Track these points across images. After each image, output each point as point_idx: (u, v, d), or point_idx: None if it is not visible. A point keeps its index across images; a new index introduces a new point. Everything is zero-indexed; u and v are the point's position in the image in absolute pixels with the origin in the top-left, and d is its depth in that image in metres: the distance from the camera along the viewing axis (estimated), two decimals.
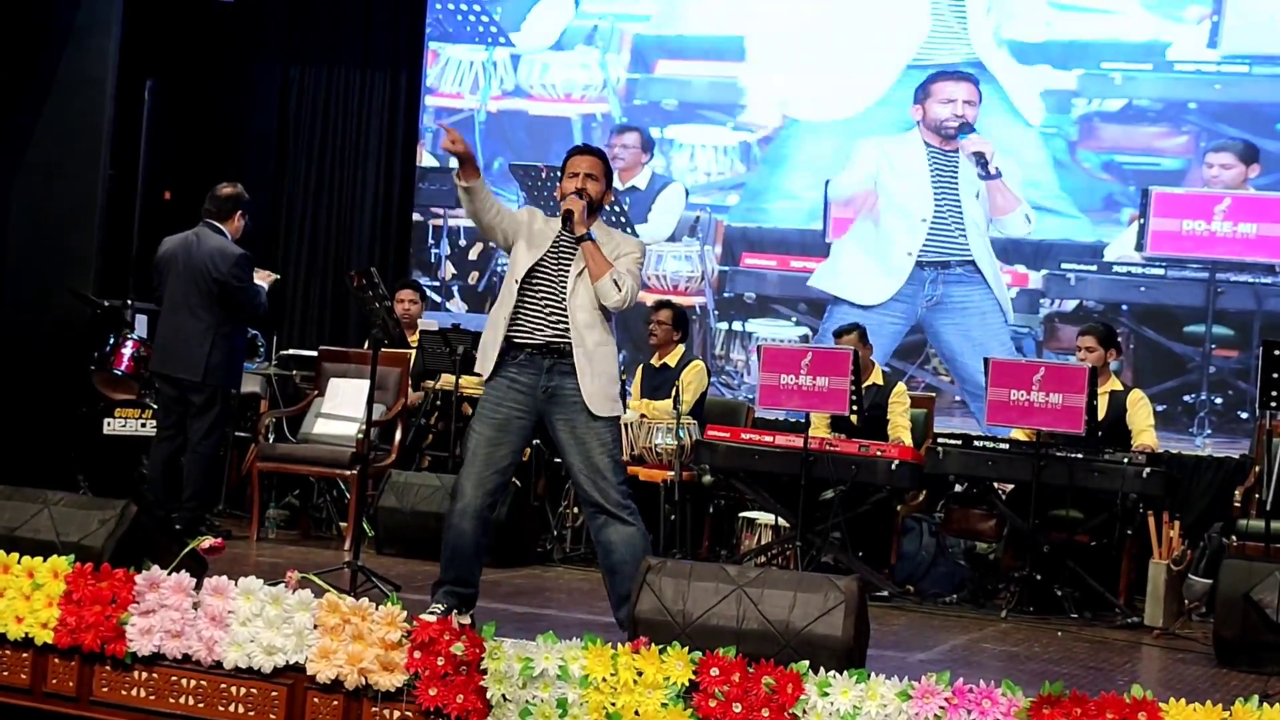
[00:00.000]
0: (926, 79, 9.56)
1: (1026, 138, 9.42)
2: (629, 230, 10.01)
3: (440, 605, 5.19)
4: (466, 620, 5.16)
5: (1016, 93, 9.46)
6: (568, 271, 5.23)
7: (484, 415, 5.28)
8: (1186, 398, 9.00)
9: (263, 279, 7.52)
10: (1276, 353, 6.02)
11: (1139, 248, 9.13)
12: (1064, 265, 9.29)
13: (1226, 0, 9.11)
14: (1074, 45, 9.38)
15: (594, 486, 5.19)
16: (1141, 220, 9.11)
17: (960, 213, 9.46)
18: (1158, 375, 8.92)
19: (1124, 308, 9.17)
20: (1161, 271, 9.11)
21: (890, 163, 9.66)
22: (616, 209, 10.12)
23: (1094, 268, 9.23)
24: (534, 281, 5.26)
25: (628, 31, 10.28)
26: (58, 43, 9.48)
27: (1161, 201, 9.09)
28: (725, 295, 9.97)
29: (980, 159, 9.44)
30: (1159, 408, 7.68)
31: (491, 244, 10.38)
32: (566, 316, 5.20)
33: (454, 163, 5.30)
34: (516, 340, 5.25)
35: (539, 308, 5.25)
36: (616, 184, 10.12)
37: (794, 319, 9.83)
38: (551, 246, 5.28)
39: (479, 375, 8.15)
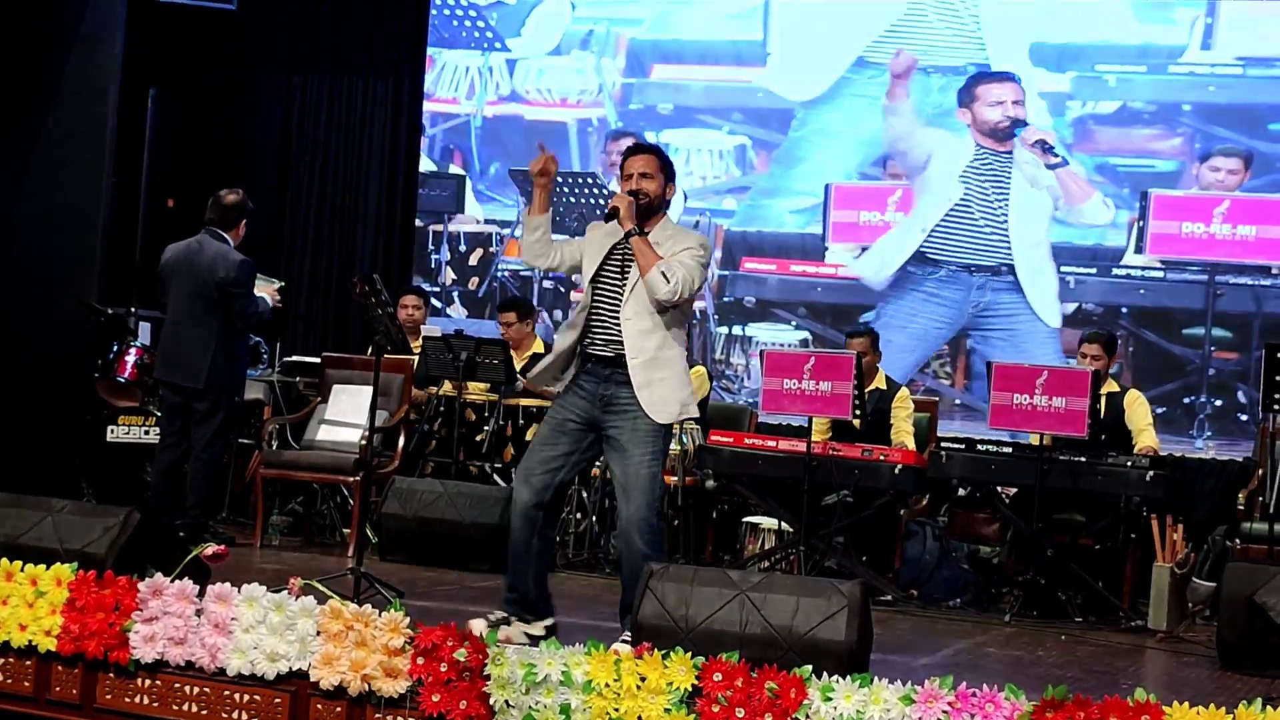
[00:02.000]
0: (968, 82, 9.54)
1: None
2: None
3: (499, 613, 5.14)
4: (538, 630, 5.11)
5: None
6: (626, 279, 5.15)
7: (546, 417, 5.33)
8: (1186, 400, 9.00)
9: (266, 292, 7.51)
10: (1279, 355, 6.01)
11: (1138, 250, 9.13)
12: (1063, 268, 9.29)
13: (1220, 3, 9.12)
14: (1068, 48, 9.39)
15: (623, 497, 5.14)
16: (1141, 223, 9.12)
17: (1006, 217, 9.42)
18: (1157, 377, 8.92)
19: (1123, 310, 9.17)
20: (1161, 274, 9.11)
21: (938, 158, 9.62)
22: None
23: (1093, 270, 9.23)
24: (597, 291, 5.21)
25: (623, 36, 10.29)
26: (62, 51, 9.49)
27: (1160, 204, 9.09)
28: (725, 299, 9.97)
29: (1044, 146, 9.36)
30: (1159, 410, 7.69)
31: (491, 250, 10.45)
32: (620, 326, 5.14)
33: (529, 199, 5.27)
34: (584, 349, 5.23)
35: (602, 316, 5.20)
36: (614, 188, 10.13)
37: (794, 323, 9.84)
38: (611, 253, 5.20)
39: (484, 382, 8.21)
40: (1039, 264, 9.34)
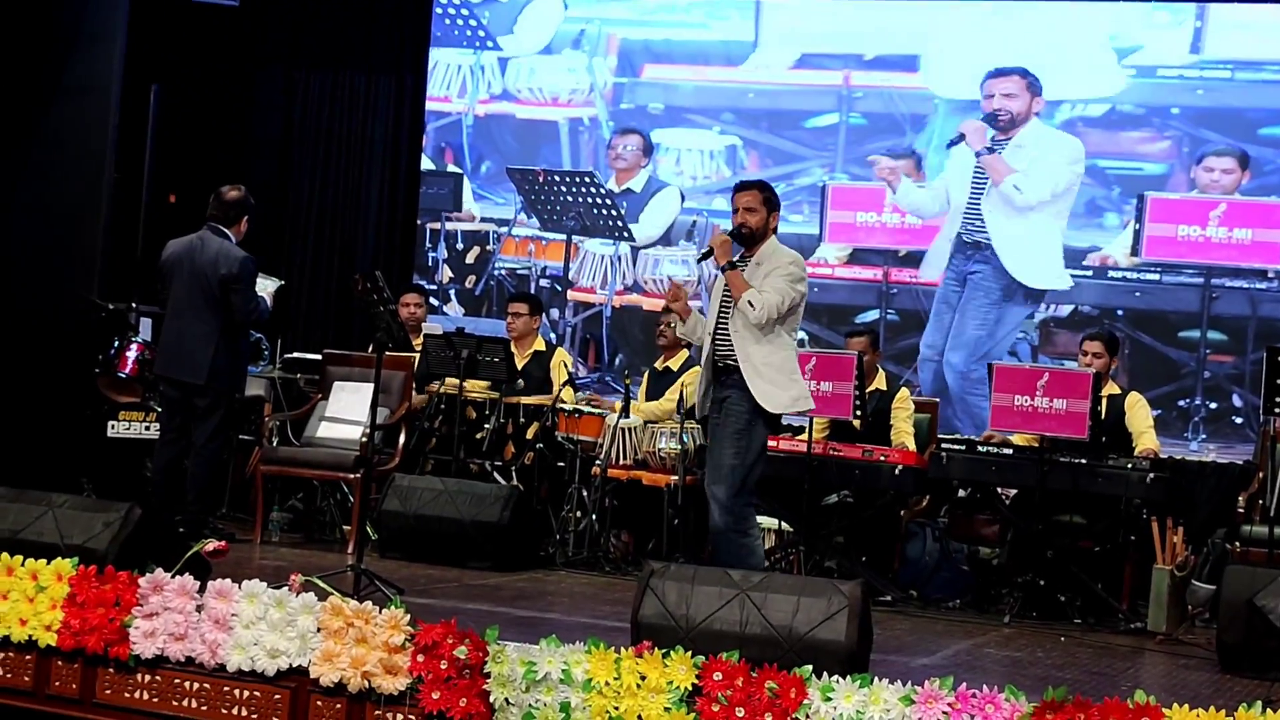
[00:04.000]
0: (986, 76, 9.55)
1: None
2: (624, 231, 10.05)
3: None
4: None
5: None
6: (734, 303, 5.96)
7: (710, 427, 6.14)
8: (1181, 402, 9.01)
9: (266, 293, 7.51)
10: None
11: (1134, 253, 9.14)
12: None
13: (1208, 6, 9.13)
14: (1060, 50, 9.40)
15: (711, 480, 5.91)
16: (1137, 225, 9.13)
17: (979, 201, 9.49)
18: (1153, 380, 8.92)
19: (1119, 312, 9.18)
20: (1156, 276, 9.12)
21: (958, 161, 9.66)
22: (614, 211, 10.13)
23: (1089, 273, 9.24)
24: (720, 319, 6.01)
25: (615, 35, 10.29)
26: (64, 48, 9.49)
27: (1156, 207, 9.10)
28: None
29: (960, 138, 9.48)
30: (1154, 413, 7.69)
31: (488, 248, 10.46)
32: (731, 340, 5.93)
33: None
34: (715, 363, 6.02)
35: (721, 332, 6.01)
36: (613, 185, 10.14)
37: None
38: (725, 289, 6.01)
39: (484, 380, 8.23)
40: (1007, 241, 9.42)
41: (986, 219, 9.44)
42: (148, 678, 4.95)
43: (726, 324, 5.97)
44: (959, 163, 9.54)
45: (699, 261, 6.10)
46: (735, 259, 5.97)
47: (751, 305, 5.82)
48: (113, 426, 8.52)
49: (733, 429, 5.89)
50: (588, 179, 10.24)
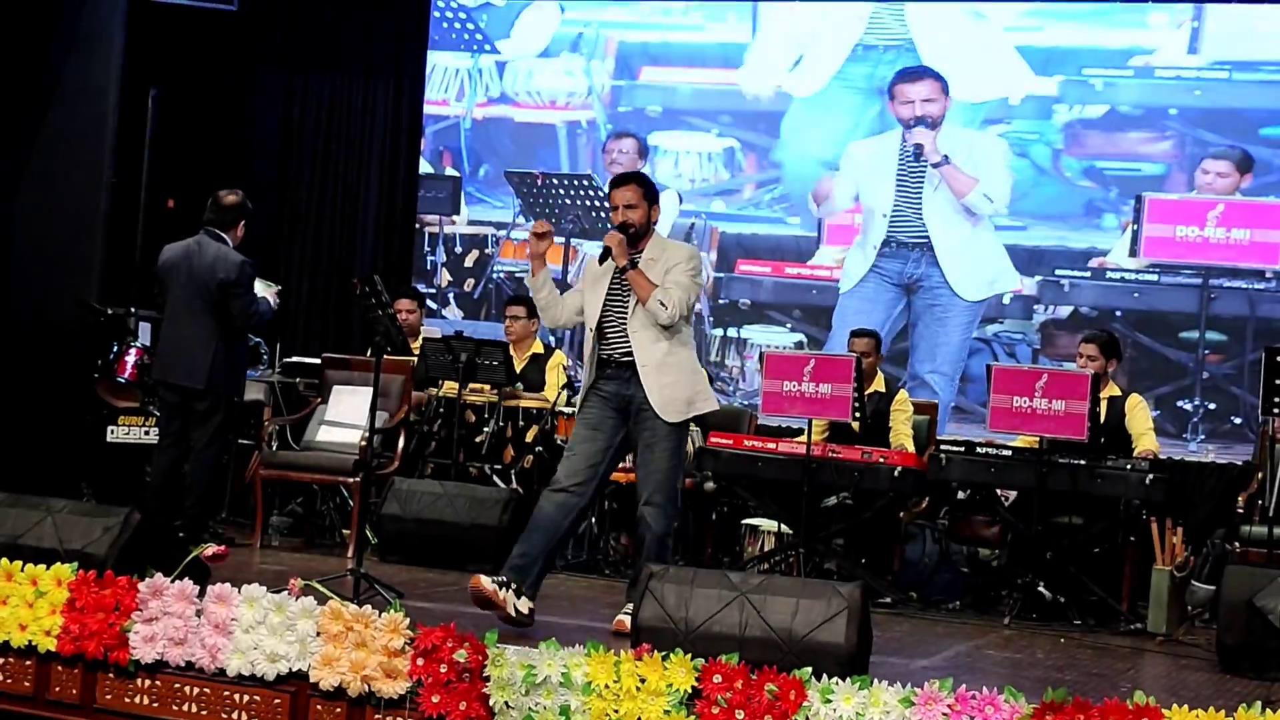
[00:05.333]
0: (892, 80, 9.63)
1: (1011, 144, 9.48)
2: None
3: (502, 576, 5.36)
4: (524, 609, 5.31)
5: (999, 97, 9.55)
6: (629, 297, 5.64)
7: (580, 418, 5.71)
8: (1180, 403, 9.01)
9: (269, 294, 7.51)
10: (1279, 359, 6.02)
11: (1133, 254, 9.14)
12: (1058, 271, 9.31)
13: (1207, 7, 9.14)
14: (1055, 51, 9.41)
15: (641, 482, 5.60)
16: (1135, 226, 9.13)
17: (920, 203, 9.54)
18: (1152, 381, 8.93)
19: (1118, 313, 9.19)
20: (1155, 277, 9.13)
21: (870, 164, 9.70)
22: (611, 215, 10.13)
23: (1088, 274, 9.26)
24: (608, 313, 5.69)
25: (612, 38, 10.30)
26: (61, 51, 9.49)
27: (1155, 207, 9.11)
28: (720, 302, 9.98)
29: (917, 152, 9.51)
30: (1153, 413, 7.70)
31: (487, 251, 10.47)
32: (626, 337, 5.62)
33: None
34: (602, 357, 5.70)
35: (617, 326, 5.67)
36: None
37: (789, 325, 9.85)
38: (612, 280, 5.70)
39: (483, 383, 8.21)
40: (951, 250, 9.46)
41: (929, 224, 9.50)
42: (148, 682, 4.95)
43: (615, 320, 5.65)
44: (871, 161, 9.63)
45: (600, 263, 5.69)
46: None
47: (664, 306, 5.53)
48: (112, 431, 8.52)
49: (663, 433, 5.55)
50: (586, 182, 10.25)
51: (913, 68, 9.63)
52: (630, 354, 5.61)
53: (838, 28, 9.84)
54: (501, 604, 5.21)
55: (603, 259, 5.68)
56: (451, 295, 10.54)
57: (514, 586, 5.30)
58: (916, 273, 9.51)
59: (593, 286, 5.74)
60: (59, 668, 5.04)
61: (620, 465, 7.64)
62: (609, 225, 10.08)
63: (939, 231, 9.49)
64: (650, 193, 5.74)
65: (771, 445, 7.44)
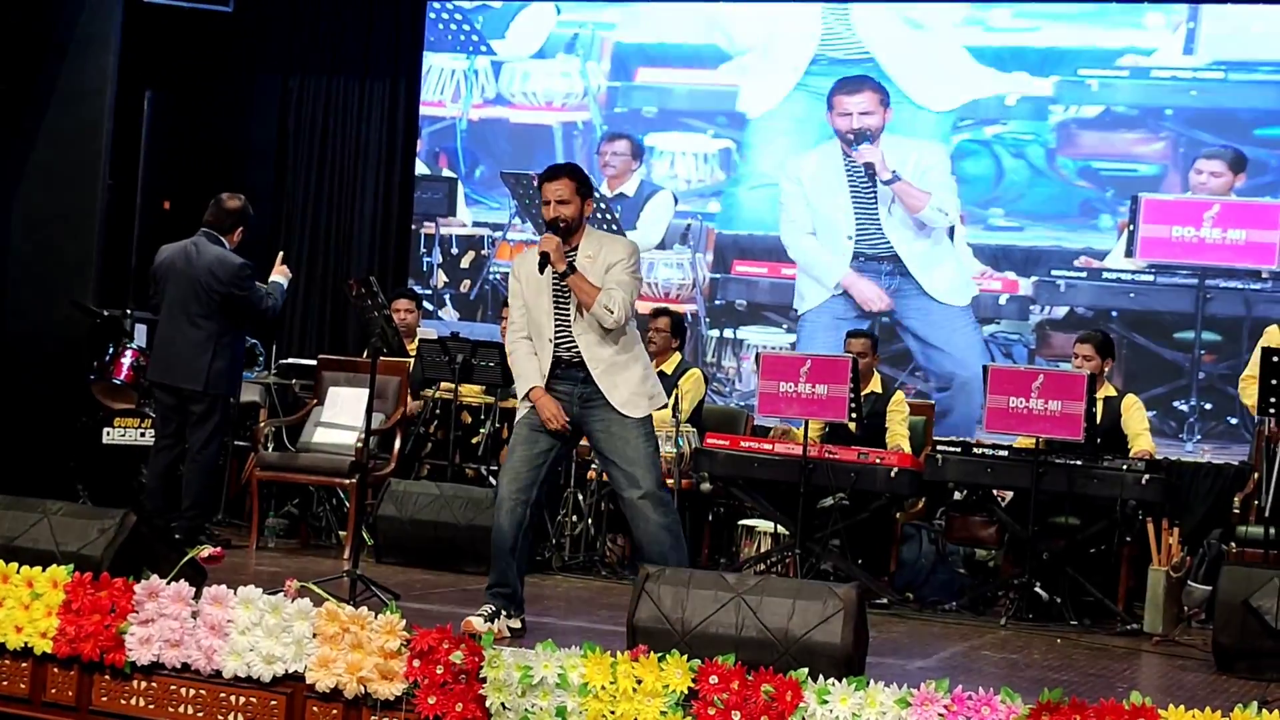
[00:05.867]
0: (831, 90, 9.68)
1: (1007, 144, 9.50)
2: (618, 235, 10.04)
3: (489, 606, 5.28)
4: (516, 624, 5.32)
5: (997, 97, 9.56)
6: (571, 300, 5.45)
7: (522, 420, 5.53)
8: (1176, 403, 9.02)
9: (279, 273, 7.50)
10: (1276, 359, 6.02)
11: (1129, 254, 9.15)
12: (1054, 272, 9.32)
13: (1202, 7, 9.15)
14: (1051, 52, 9.42)
15: (628, 480, 5.36)
16: (1131, 227, 9.14)
17: (878, 219, 9.59)
18: (1148, 381, 8.94)
19: (1114, 314, 9.20)
20: (1151, 278, 9.14)
21: (816, 178, 9.75)
22: (608, 216, 10.14)
23: (1084, 274, 9.27)
24: (557, 319, 5.48)
25: (608, 39, 10.30)
26: (58, 54, 9.48)
27: (1151, 208, 9.12)
28: (716, 303, 9.98)
29: (870, 170, 9.52)
30: (1149, 414, 7.70)
31: (483, 253, 10.47)
32: (574, 339, 5.45)
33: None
34: (556, 354, 5.48)
35: (564, 328, 5.48)
36: (605, 190, 10.14)
37: (785, 326, 9.86)
38: (553, 284, 5.46)
39: (479, 384, 8.21)
40: (920, 261, 9.51)
41: (890, 236, 9.55)
42: (144, 684, 4.95)
43: (562, 323, 5.46)
44: (819, 170, 9.70)
45: (541, 271, 5.41)
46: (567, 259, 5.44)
47: (609, 310, 5.34)
48: (108, 433, 8.52)
49: (630, 424, 5.40)
50: None
51: (852, 78, 9.68)
52: (579, 356, 5.44)
53: (824, 32, 9.87)
54: (496, 635, 5.07)
55: (541, 267, 5.42)
56: (447, 296, 10.55)
57: (502, 613, 5.28)
58: (892, 285, 9.54)
59: (536, 297, 5.50)
60: (55, 669, 5.04)
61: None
62: (604, 226, 10.19)
63: (903, 246, 9.55)
64: (584, 186, 5.49)
65: (768, 446, 7.44)
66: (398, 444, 8.00)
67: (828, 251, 9.71)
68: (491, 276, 10.45)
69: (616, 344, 5.44)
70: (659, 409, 5.58)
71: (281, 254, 7.77)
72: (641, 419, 5.42)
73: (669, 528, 5.37)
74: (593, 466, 7.73)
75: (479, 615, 5.18)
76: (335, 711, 4.71)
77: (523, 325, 5.55)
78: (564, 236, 5.44)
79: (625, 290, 5.40)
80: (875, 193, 9.59)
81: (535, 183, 5.51)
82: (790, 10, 9.99)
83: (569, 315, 5.45)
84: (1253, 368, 6.51)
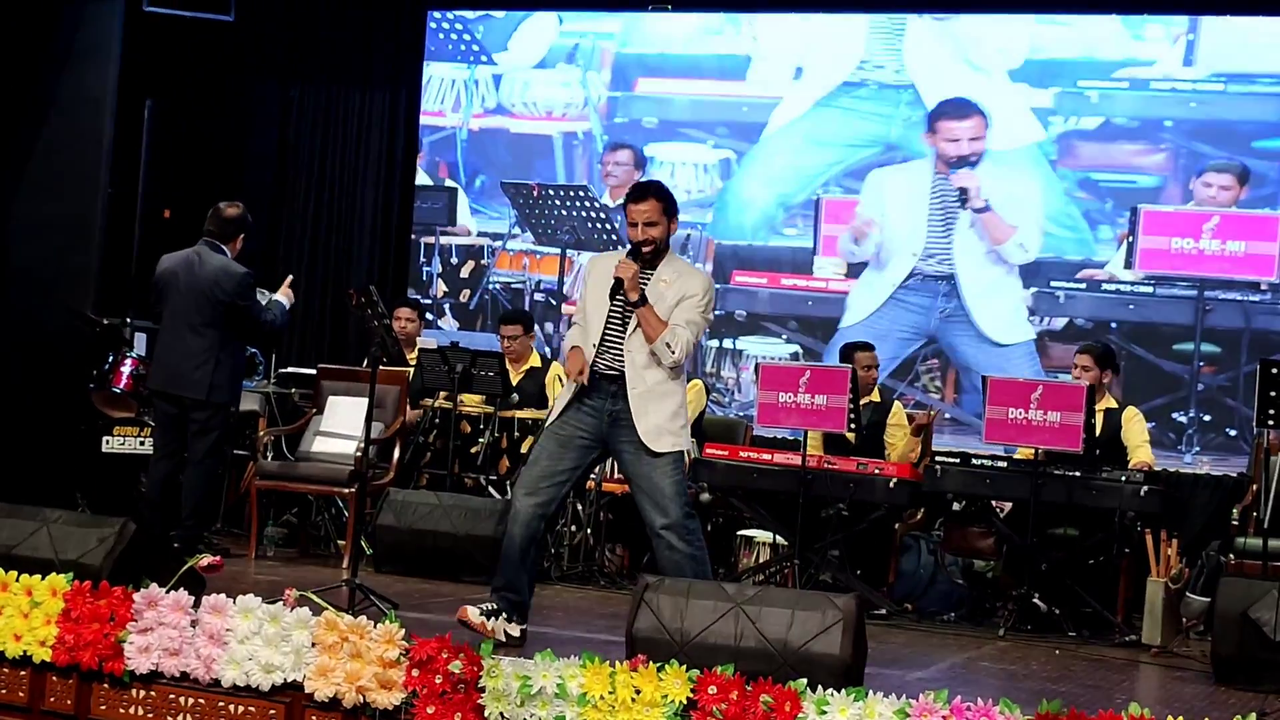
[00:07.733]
0: (932, 111, 9.60)
1: (1009, 156, 9.50)
2: (618, 245, 10.05)
3: (490, 604, 5.29)
4: (515, 631, 5.32)
5: (999, 112, 9.55)
6: (630, 316, 5.35)
7: (550, 430, 5.45)
8: (1175, 415, 9.03)
9: (282, 293, 7.51)
10: (1275, 371, 6.02)
11: (1128, 265, 9.16)
12: (1053, 283, 9.33)
13: (1202, 19, 9.17)
14: (1050, 64, 9.44)
15: (654, 507, 5.31)
16: (1130, 238, 9.16)
17: (950, 243, 9.53)
18: (1147, 392, 8.95)
19: (1113, 325, 9.21)
20: (1150, 289, 9.15)
21: (895, 191, 9.69)
22: (607, 225, 10.15)
23: (1083, 285, 9.27)
24: (607, 328, 5.39)
25: (609, 50, 10.32)
26: (58, 63, 9.50)
27: (1150, 219, 9.13)
28: (716, 313, 9.95)
29: (963, 194, 9.49)
30: (1148, 425, 7.71)
31: (483, 262, 10.48)
32: (621, 354, 5.36)
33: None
34: (593, 367, 5.37)
35: (609, 339, 5.39)
36: (606, 200, 10.16)
37: (784, 336, 9.86)
38: (616, 288, 5.36)
39: (479, 394, 8.20)
40: (977, 286, 9.46)
41: (957, 262, 9.50)
42: (142, 693, 4.94)
43: (616, 334, 5.37)
44: (895, 191, 9.64)
45: (613, 297, 5.32)
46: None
47: (670, 350, 5.27)
48: (107, 442, 8.51)
49: (661, 455, 5.32)
50: (582, 193, 10.26)
51: (955, 100, 9.58)
52: (620, 370, 5.35)
53: (836, 44, 9.87)
54: (490, 634, 5.13)
55: (614, 293, 5.33)
56: (447, 306, 10.56)
57: (504, 614, 5.28)
58: (948, 306, 9.50)
59: (597, 305, 5.41)
60: (54, 678, 5.03)
61: (615, 476, 7.72)
62: (604, 235, 10.21)
63: (967, 272, 9.48)
64: (670, 206, 5.39)
65: (767, 456, 7.45)
66: (397, 453, 8.00)
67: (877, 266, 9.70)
68: (491, 286, 10.46)
69: (662, 375, 5.34)
70: (677, 450, 5.43)
71: (290, 278, 7.78)
72: (672, 453, 5.33)
73: (694, 556, 5.32)
74: (591, 477, 7.72)
75: (477, 607, 5.23)
76: None
77: (583, 317, 5.51)
78: (648, 260, 5.36)
79: (692, 331, 5.34)
80: (956, 215, 9.51)
81: (621, 201, 5.46)
82: (783, 20, 10.00)
83: (621, 333, 5.36)
84: None
